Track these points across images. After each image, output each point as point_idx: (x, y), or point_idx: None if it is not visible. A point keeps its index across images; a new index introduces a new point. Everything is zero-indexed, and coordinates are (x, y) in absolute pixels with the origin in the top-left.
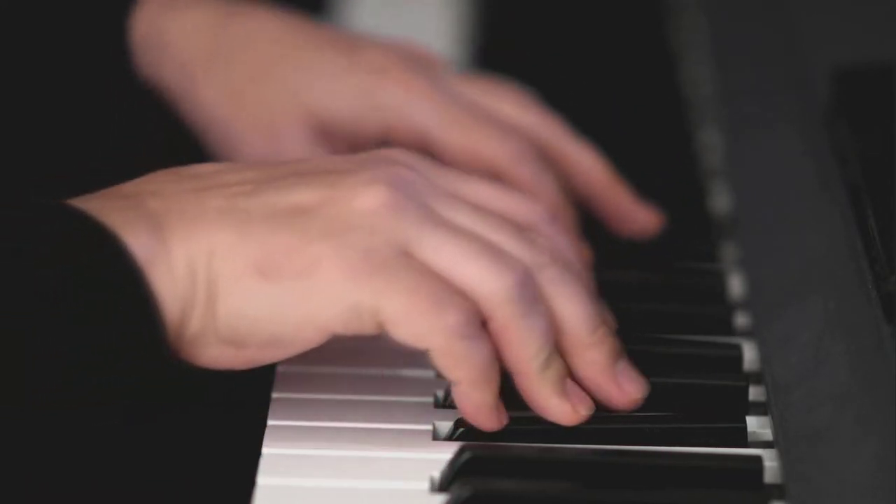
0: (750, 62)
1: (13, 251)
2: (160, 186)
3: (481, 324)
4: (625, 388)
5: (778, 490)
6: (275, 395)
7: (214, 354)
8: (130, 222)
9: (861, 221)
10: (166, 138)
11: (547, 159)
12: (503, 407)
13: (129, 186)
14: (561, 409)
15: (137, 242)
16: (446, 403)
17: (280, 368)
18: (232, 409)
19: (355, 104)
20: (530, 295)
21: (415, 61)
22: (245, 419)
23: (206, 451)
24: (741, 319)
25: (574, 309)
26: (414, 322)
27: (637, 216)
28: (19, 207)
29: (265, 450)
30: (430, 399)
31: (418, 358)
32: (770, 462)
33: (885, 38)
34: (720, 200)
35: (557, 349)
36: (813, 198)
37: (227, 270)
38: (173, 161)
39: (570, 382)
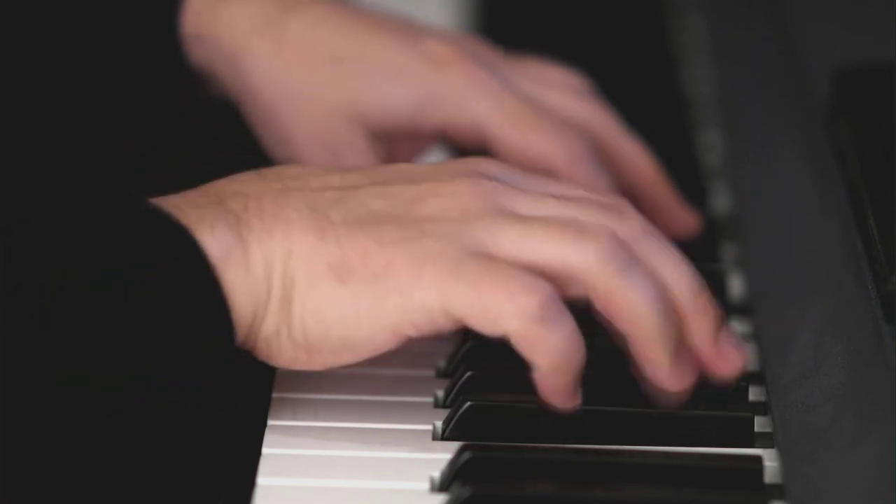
0: (750, 62)
1: (88, 244)
2: (242, 187)
3: (561, 307)
4: (728, 356)
5: (778, 490)
6: (275, 395)
7: (289, 356)
8: (208, 219)
9: (861, 221)
10: (219, 132)
11: (602, 159)
12: (579, 388)
13: (210, 186)
14: (674, 373)
15: (213, 239)
16: (446, 403)
17: (280, 369)
18: (232, 409)
19: (415, 99)
20: (623, 256)
21: (474, 52)
22: (245, 419)
23: (206, 451)
24: (741, 320)
25: (677, 275)
26: (485, 311)
27: (679, 217)
28: (97, 201)
29: (265, 450)
30: (430, 399)
31: (418, 358)
32: (770, 462)
33: (885, 38)
34: (720, 200)
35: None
36: (813, 198)
37: (304, 272)
38: (226, 153)
39: (680, 347)
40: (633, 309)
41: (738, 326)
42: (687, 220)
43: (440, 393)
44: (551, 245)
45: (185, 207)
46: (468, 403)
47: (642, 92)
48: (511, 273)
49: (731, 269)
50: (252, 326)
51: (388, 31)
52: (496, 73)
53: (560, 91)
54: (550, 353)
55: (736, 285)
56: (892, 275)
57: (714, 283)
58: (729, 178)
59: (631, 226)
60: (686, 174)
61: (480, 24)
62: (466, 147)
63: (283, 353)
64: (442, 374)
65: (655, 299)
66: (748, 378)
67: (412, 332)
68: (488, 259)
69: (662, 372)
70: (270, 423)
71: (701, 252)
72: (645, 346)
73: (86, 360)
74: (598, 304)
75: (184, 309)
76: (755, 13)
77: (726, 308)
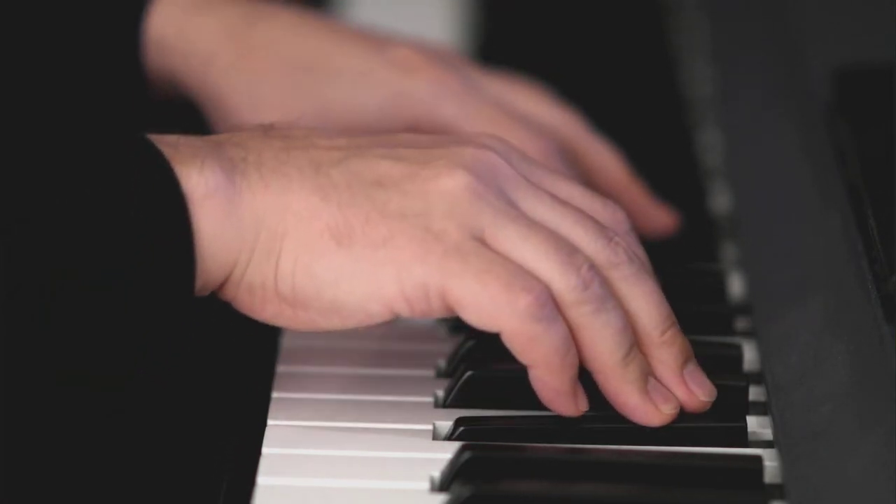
0: (750, 62)
1: (67, 172)
2: (244, 139)
3: (554, 307)
4: (692, 391)
5: (778, 490)
6: (275, 395)
7: (273, 310)
8: (199, 158)
9: (861, 221)
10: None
11: (570, 159)
12: (581, 391)
13: (214, 136)
14: (644, 408)
15: (200, 177)
16: (446, 403)
17: (280, 368)
18: (232, 409)
19: (382, 102)
20: (598, 293)
21: (441, 59)
22: (245, 419)
23: (206, 451)
24: (741, 319)
25: (646, 307)
26: (484, 305)
27: (654, 215)
28: (82, 129)
29: (265, 450)
30: (430, 399)
31: (418, 358)
32: (770, 462)
33: (885, 38)
34: (720, 200)
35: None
36: (813, 198)
37: (301, 229)
38: None
39: (653, 381)
40: (598, 344)
41: (739, 326)
42: (662, 218)
43: (440, 393)
44: (541, 260)
45: (181, 145)
46: (469, 372)
47: (642, 92)
48: (514, 270)
49: (731, 269)
50: (233, 273)
51: (353, 40)
52: (464, 77)
53: (528, 97)
54: (543, 352)
55: (736, 285)
56: (892, 275)
57: (714, 283)
58: (729, 177)
59: (615, 252)
60: (686, 174)
61: (480, 25)
62: None
63: (267, 305)
64: (442, 374)
65: (622, 339)
66: (748, 378)
67: (404, 310)
68: (489, 251)
69: (630, 408)
70: (270, 422)
71: (701, 252)
72: (609, 382)
73: (68, 286)
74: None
75: (148, 237)
76: (755, 13)
77: (726, 308)
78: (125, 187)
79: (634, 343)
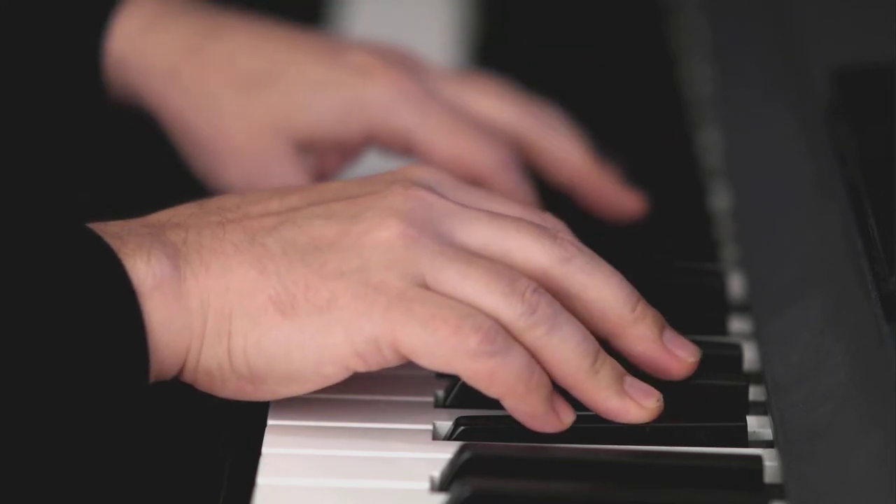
0: (750, 62)
1: (19, 267)
2: (183, 219)
3: (506, 337)
4: (677, 355)
5: (778, 490)
6: None
7: (234, 388)
8: (145, 249)
9: (861, 221)
10: (143, 157)
11: (531, 155)
12: (563, 404)
13: (154, 217)
14: (625, 408)
15: (148, 268)
16: (446, 403)
17: None
18: (232, 409)
19: (339, 108)
20: (548, 312)
21: (399, 62)
22: (245, 419)
23: (206, 451)
24: (741, 319)
25: (610, 291)
26: (436, 350)
27: (621, 201)
28: (32, 221)
29: (265, 450)
30: (430, 399)
31: None
32: (770, 462)
33: (885, 38)
34: (720, 200)
35: (605, 347)
36: (813, 197)
37: (244, 306)
38: (153, 181)
39: (629, 379)
40: (561, 362)
41: (739, 326)
42: (630, 202)
43: (440, 393)
44: (484, 295)
45: (126, 235)
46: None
47: (642, 92)
48: (461, 311)
49: (731, 269)
50: (188, 359)
51: (308, 48)
52: (421, 81)
53: (486, 95)
54: (507, 383)
55: (736, 285)
56: (892, 275)
57: (714, 282)
58: (729, 177)
59: (564, 247)
60: (686, 174)
61: (480, 25)
62: (394, 153)
63: (227, 385)
64: (442, 374)
65: (585, 349)
66: (748, 378)
67: (360, 365)
68: (433, 295)
69: (613, 412)
70: (270, 423)
71: (701, 252)
72: (584, 393)
73: (11, 377)
74: (530, 352)
75: (100, 332)
76: (755, 13)
77: (726, 307)
78: (74, 285)
79: (599, 348)
